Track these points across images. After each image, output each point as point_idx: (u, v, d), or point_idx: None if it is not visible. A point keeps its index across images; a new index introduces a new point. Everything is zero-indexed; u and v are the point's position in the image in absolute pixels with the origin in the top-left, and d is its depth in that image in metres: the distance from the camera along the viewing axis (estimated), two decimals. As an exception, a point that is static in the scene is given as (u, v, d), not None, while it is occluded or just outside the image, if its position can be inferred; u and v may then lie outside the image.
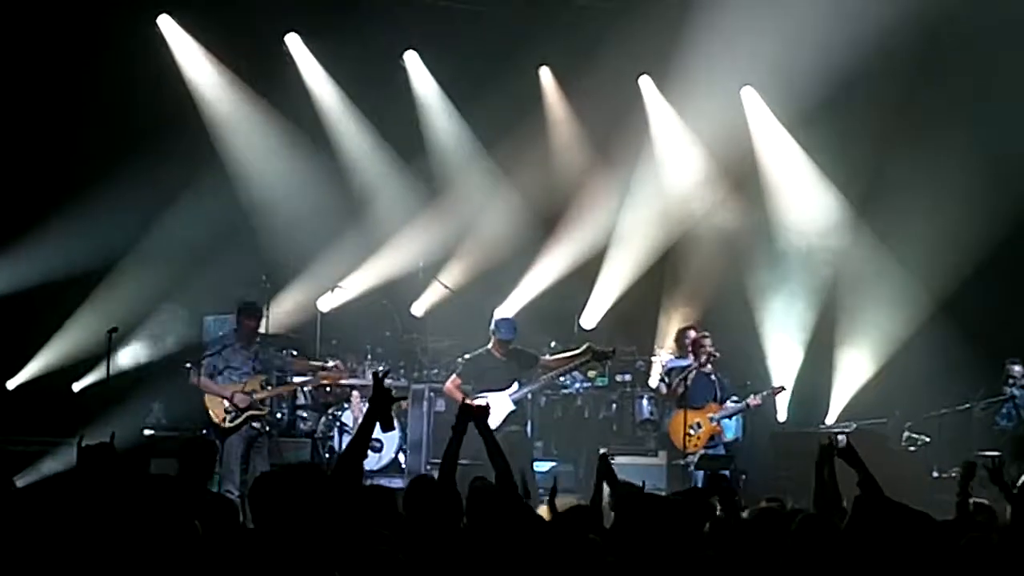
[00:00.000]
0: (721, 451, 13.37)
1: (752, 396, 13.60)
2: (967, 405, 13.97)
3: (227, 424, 12.16)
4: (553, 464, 14.68)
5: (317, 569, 5.01)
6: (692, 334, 14.12)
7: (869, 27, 14.22)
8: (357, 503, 5.71)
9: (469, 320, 15.24)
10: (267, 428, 12.48)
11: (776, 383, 14.79)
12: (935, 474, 13.48)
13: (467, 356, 13.45)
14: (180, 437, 13.52)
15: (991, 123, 14.39)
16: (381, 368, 14.44)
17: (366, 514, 5.72)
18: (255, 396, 12.24)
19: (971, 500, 7.56)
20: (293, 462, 12.95)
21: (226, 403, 12.16)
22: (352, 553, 5.36)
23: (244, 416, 12.18)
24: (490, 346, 13.05)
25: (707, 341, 13.47)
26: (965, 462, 7.55)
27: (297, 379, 13.66)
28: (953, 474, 12.71)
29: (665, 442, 14.32)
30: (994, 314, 14.87)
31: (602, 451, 8.30)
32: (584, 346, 13.29)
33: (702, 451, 13.14)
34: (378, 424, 5.97)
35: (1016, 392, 13.76)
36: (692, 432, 13.16)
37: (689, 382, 13.20)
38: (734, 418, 13.54)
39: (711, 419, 13.32)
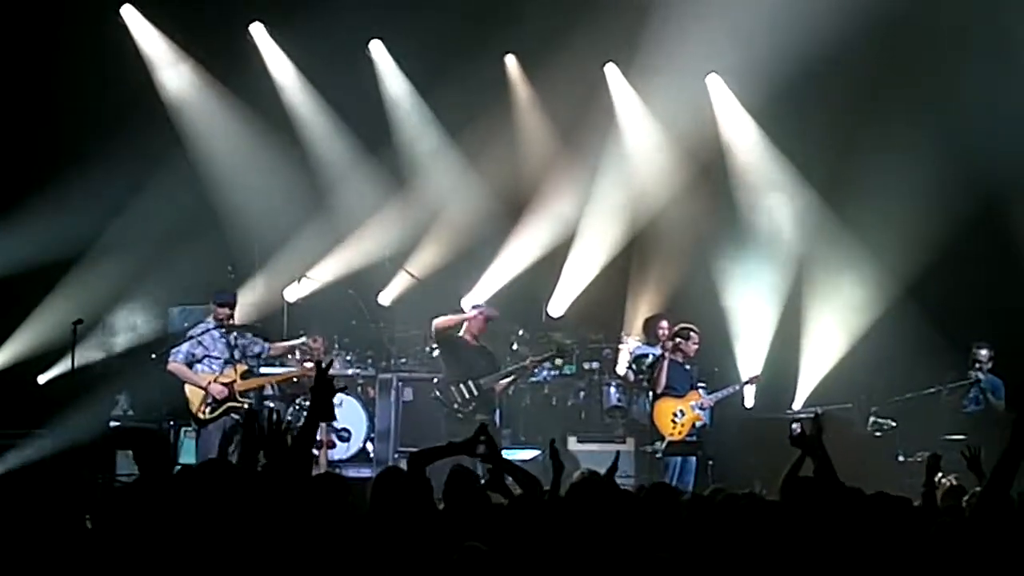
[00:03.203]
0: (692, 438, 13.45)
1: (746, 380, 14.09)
2: (933, 390, 14.02)
3: (205, 415, 12.09)
4: (537, 453, 14.59)
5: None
6: (665, 324, 14.21)
7: (835, 14, 14.24)
8: (308, 494, 5.67)
9: (436, 309, 15.23)
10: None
11: (748, 373, 14.88)
12: (900, 459, 13.54)
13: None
14: (144, 429, 13.50)
15: (957, 108, 14.45)
16: (339, 360, 14.47)
17: (317, 505, 5.69)
18: (235, 387, 12.16)
19: (943, 480, 7.62)
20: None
21: (204, 394, 12.07)
22: (305, 544, 5.35)
23: (223, 408, 12.11)
24: (462, 332, 13.10)
25: (695, 336, 13.54)
26: (931, 454, 7.58)
27: (271, 370, 13.60)
28: (919, 459, 12.81)
29: (634, 429, 14.38)
30: (960, 298, 14.94)
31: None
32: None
33: (669, 438, 13.20)
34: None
35: (982, 376, 13.80)
36: (676, 419, 13.24)
37: (663, 371, 13.31)
38: (705, 404, 13.64)
39: (693, 407, 13.37)
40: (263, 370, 13.25)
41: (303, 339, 13.66)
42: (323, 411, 5.85)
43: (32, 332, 15.16)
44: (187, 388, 12.16)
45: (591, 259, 16.64)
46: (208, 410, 12.07)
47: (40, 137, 15.18)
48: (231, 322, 12.52)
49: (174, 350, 12.22)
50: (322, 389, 5.80)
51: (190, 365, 12.17)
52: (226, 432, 12.13)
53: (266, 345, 13.13)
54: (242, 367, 12.30)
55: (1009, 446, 5.41)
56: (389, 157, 16.71)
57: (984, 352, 13.82)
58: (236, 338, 12.41)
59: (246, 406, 12.23)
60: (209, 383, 12.04)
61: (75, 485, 11.99)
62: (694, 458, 13.34)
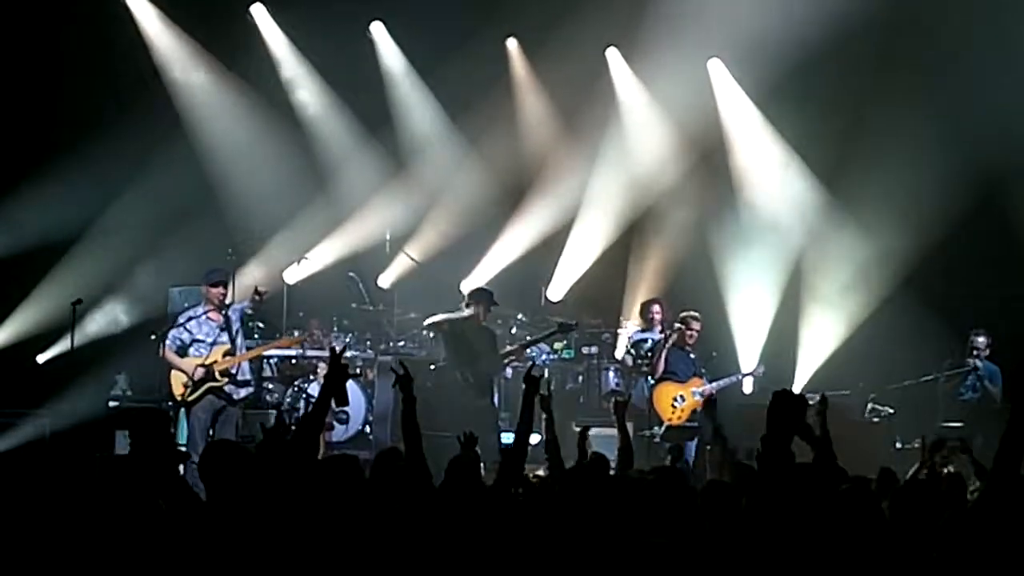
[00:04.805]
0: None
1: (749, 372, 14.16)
2: (931, 377, 14.03)
3: (187, 398, 12.10)
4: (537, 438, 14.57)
5: (272, 538, 5.01)
6: (657, 308, 14.24)
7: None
8: (317, 473, 5.69)
9: (436, 292, 15.25)
10: (236, 395, 12.33)
11: (748, 360, 14.96)
12: (898, 445, 13.55)
13: (437, 317, 13.46)
14: (145, 408, 13.50)
15: (960, 96, 14.44)
16: (339, 343, 14.44)
17: (329, 483, 5.71)
18: (215, 368, 12.16)
19: (944, 470, 7.63)
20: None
21: (184, 377, 12.10)
22: (315, 522, 5.36)
23: (202, 389, 12.11)
24: (467, 314, 13.10)
25: (695, 324, 13.59)
26: (935, 438, 7.60)
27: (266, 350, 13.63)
28: (916, 445, 12.83)
29: (632, 413, 14.36)
30: (959, 286, 14.95)
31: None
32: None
33: (667, 423, 13.23)
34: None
35: (980, 363, 13.80)
36: (676, 404, 13.28)
37: (665, 358, 13.36)
38: (703, 390, 13.67)
39: (694, 393, 13.41)
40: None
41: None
42: (337, 395, 5.86)
43: (32, 312, 15.18)
44: (172, 373, 12.20)
45: (591, 243, 16.65)
46: (188, 392, 12.09)
47: (41, 117, 15.18)
48: (226, 305, 12.48)
49: (164, 336, 12.25)
50: (336, 373, 5.81)
51: (184, 350, 12.18)
52: (215, 413, 12.15)
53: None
54: (224, 347, 12.26)
55: (1010, 425, 5.43)
56: (389, 139, 16.72)
57: (982, 339, 13.81)
58: (229, 319, 12.36)
59: (225, 387, 12.23)
60: (195, 368, 12.06)
61: (74, 464, 12.02)
62: (693, 443, 13.36)
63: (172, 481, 6.39)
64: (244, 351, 12.53)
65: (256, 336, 14.20)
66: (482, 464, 7.11)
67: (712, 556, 5.51)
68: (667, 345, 13.49)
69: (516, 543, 5.57)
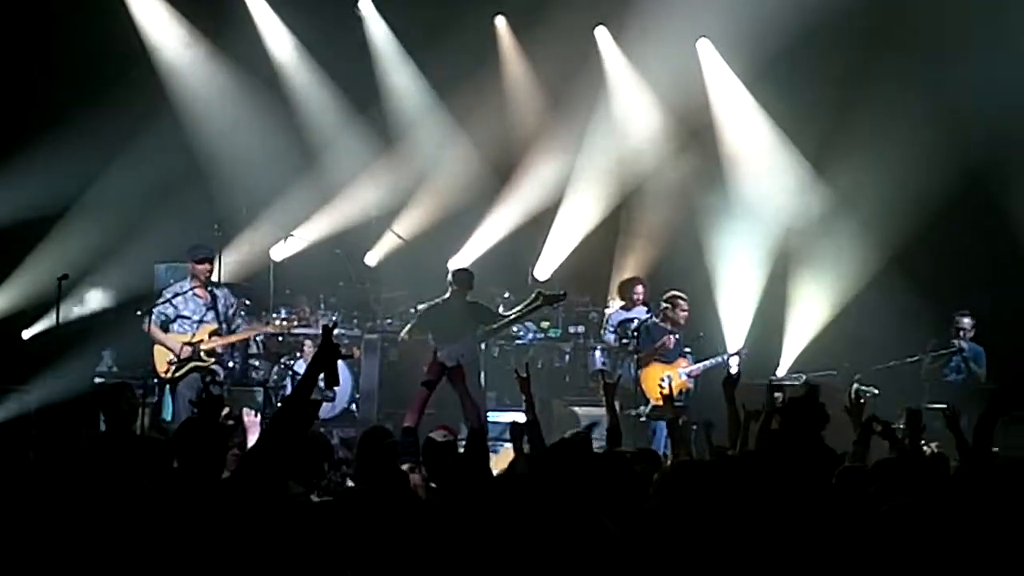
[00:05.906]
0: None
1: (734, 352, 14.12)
2: (916, 357, 14.06)
3: (171, 375, 12.10)
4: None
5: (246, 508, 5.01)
6: (640, 288, 14.27)
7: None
8: (301, 449, 5.67)
9: (423, 270, 15.25)
10: (218, 377, 12.33)
11: (734, 341, 14.97)
12: (882, 425, 13.56)
13: (422, 306, 13.46)
14: (112, 383, 13.49)
15: (949, 78, 14.43)
16: (329, 321, 14.40)
17: (310, 459, 5.71)
18: (201, 347, 12.15)
19: (924, 448, 7.67)
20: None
21: (168, 354, 12.09)
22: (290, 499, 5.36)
23: (187, 367, 12.10)
24: (447, 295, 13.08)
25: (684, 304, 13.61)
26: (910, 410, 7.65)
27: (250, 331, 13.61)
28: (902, 425, 12.85)
29: (618, 393, 14.37)
30: (945, 267, 14.97)
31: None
32: (535, 293, 13.29)
33: (653, 403, 13.24)
34: (322, 378, 5.73)
35: (965, 345, 13.85)
36: (663, 384, 13.29)
37: (655, 338, 13.39)
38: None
39: (680, 374, 13.43)
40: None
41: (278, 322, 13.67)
42: (328, 375, 5.69)
43: (17, 287, 15.14)
44: (156, 349, 12.18)
45: (578, 223, 16.64)
46: (173, 369, 12.08)
47: (27, 93, 15.13)
48: (211, 282, 12.46)
49: (150, 312, 12.22)
50: (328, 353, 5.64)
51: (166, 325, 12.17)
52: (198, 391, 12.10)
53: (244, 326, 13.10)
54: (211, 326, 12.26)
55: (985, 412, 5.50)
56: (377, 116, 16.68)
57: (967, 320, 13.86)
58: (216, 298, 12.34)
59: (212, 365, 12.21)
60: (182, 345, 12.04)
61: (59, 441, 11.99)
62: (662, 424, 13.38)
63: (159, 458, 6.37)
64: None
65: (243, 313, 14.18)
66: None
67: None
68: (668, 345, 13.51)
69: (495, 519, 5.57)
